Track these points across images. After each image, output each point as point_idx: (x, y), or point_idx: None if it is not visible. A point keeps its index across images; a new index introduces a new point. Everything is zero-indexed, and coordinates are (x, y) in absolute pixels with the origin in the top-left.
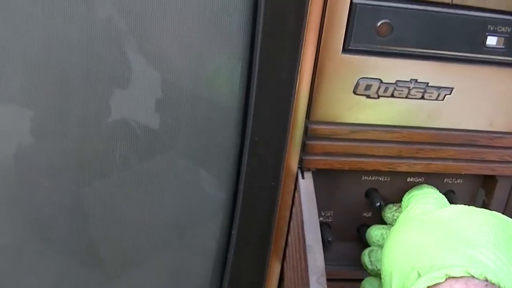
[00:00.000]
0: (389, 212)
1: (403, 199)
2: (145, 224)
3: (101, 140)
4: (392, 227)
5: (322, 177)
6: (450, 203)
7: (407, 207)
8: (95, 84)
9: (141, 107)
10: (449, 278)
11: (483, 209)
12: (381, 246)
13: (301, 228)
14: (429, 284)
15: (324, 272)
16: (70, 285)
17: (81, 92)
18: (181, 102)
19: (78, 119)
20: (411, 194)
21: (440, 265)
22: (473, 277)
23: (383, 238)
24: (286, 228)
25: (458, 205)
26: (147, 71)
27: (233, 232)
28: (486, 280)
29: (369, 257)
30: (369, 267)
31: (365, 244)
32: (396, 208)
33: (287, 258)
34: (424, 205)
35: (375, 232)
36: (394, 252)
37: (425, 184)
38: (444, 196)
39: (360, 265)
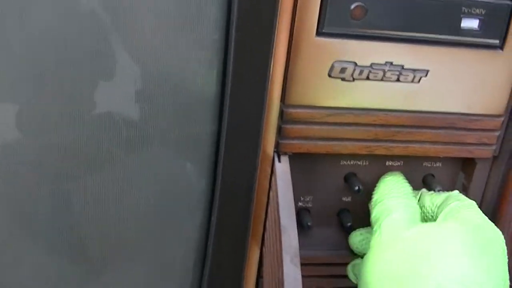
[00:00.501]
0: (357, 241)
1: (371, 219)
2: (127, 216)
3: (83, 133)
4: (366, 255)
5: (300, 161)
6: (430, 188)
7: (376, 231)
8: (74, 76)
9: (120, 98)
10: None
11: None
12: (361, 254)
13: (277, 210)
14: None
15: (298, 252)
16: (53, 279)
17: (63, 85)
18: (158, 92)
19: (60, 112)
20: (375, 215)
21: None
22: None
23: (362, 245)
24: (263, 213)
25: (424, 225)
26: (125, 62)
27: (212, 219)
28: None
29: (352, 271)
30: (354, 281)
31: (346, 232)
32: (362, 236)
33: (265, 243)
34: (392, 225)
35: (354, 240)
36: (370, 284)
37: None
38: (410, 194)
39: (339, 250)
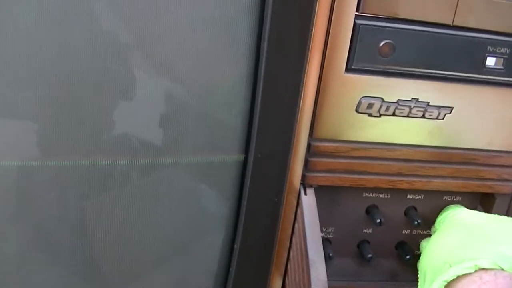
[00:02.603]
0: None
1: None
2: (147, 239)
3: (104, 154)
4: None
5: (324, 193)
6: None
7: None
8: (99, 98)
9: (145, 122)
10: (479, 269)
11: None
12: None
13: (304, 243)
14: (459, 274)
15: (326, 286)
16: None
17: (86, 106)
18: (185, 118)
19: (82, 133)
20: (441, 217)
21: (470, 258)
22: (502, 269)
23: None
24: (288, 243)
25: (491, 214)
26: (152, 86)
27: (235, 247)
28: None
29: None
30: None
31: (366, 263)
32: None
33: (289, 273)
34: (457, 214)
35: (423, 244)
36: (430, 251)
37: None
38: None
39: (359, 280)
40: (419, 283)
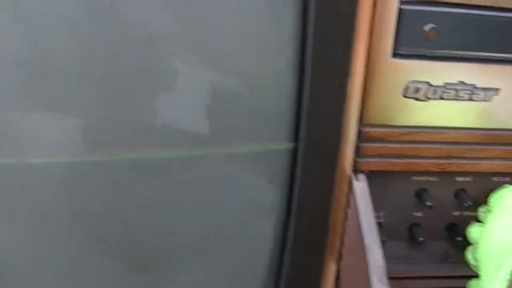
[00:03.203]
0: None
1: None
2: (198, 231)
3: (153, 144)
4: (490, 216)
5: (373, 178)
6: None
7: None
8: (144, 89)
9: (192, 112)
10: None
11: None
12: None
13: (359, 229)
14: None
15: (385, 271)
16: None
17: (131, 98)
18: (232, 107)
19: (128, 124)
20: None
21: None
22: None
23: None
24: (341, 229)
25: None
26: (198, 76)
27: (288, 234)
28: None
29: (473, 253)
30: (473, 262)
31: (417, 246)
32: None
33: (343, 258)
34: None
35: (472, 229)
36: (489, 239)
37: None
38: None
39: (411, 264)
40: (481, 272)
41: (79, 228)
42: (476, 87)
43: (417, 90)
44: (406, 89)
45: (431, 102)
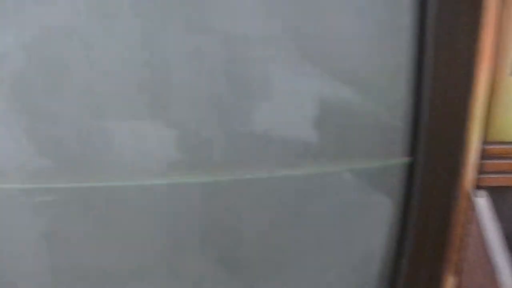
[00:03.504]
0: None
1: None
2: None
3: (269, 164)
4: None
5: (491, 193)
6: None
7: None
8: (252, 100)
9: (302, 123)
10: None
11: None
12: None
13: (482, 246)
14: None
15: None
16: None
17: (232, 111)
18: (349, 122)
19: (228, 130)
20: None
21: None
22: None
23: None
24: (459, 244)
25: None
26: (307, 85)
27: (406, 249)
28: None
29: None
30: None
31: None
32: None
33: (464, 272)
34: None
35: None
36: None
37: None
38: None
39: None
40: None
41: (208, 245)
42: None
43: None
44: None
45: None
